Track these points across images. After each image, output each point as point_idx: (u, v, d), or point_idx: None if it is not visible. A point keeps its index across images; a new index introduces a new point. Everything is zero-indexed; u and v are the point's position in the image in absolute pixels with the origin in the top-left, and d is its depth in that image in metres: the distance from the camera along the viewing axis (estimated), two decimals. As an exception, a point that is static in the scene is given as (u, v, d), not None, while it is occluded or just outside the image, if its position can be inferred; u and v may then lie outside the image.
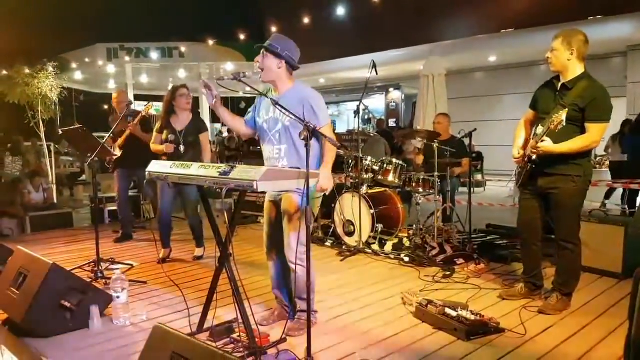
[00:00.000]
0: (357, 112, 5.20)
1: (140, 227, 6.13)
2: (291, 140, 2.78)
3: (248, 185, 2.24)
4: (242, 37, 12.63)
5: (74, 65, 12.42)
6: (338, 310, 3.29)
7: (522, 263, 3.61)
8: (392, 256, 4.62)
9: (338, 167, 5.95)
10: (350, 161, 5.37)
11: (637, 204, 6.80)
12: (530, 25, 9.17)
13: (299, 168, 2.69)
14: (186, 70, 13.18)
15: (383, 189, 5.44)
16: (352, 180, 5.42)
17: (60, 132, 4.58)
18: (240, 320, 2.57)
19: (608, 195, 7.53)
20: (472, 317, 2.86)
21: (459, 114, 10.68)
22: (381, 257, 4.67)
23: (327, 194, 2.94)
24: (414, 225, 5.11)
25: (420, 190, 4.98)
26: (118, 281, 3.08)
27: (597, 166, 7.53)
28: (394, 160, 5.24)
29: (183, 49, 12.31)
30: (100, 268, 4.01)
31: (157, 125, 4.55)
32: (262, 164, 2.76)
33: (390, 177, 5.13)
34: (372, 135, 6.37)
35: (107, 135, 4.74)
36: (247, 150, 11.00)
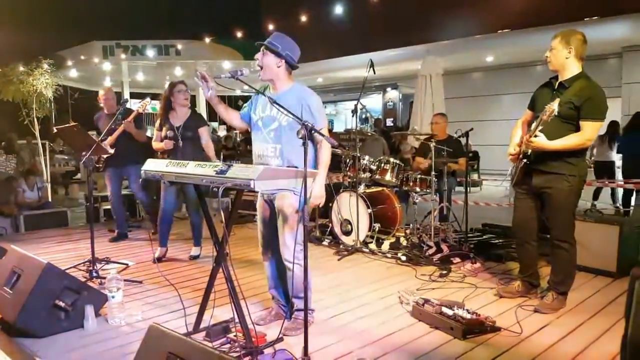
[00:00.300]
0: (354, 112, 5.20)
1: (135, 226, 6.10)
2: (287, 140, 2.77)
3: (245, 184, 2.23)
4: (239, 35, 12.58)
5: (69, 63, 12.35)
6: (335, 310, 3.29)
7: (518, 262, 3.62)
8: (389, 255, 4.63)
9: (336, 166, 5.96)
10: (347, 160, 5.37)
11: (632, 203, 6.84)
12: (527, 25, 9.18)
13: (296, 167, 2.68)
14: (183, 68, 13.12)
15: (380, 188, 5.44)
16: (349, 180, 5.42)
17: (55, 130, 4.52)
18: (237, 320, 2.56)
19: (596, 196, 7.57)
20: (468, 316, 2.87)
21: (456, 113, 10.69)
22: (378, 256, 4.68)
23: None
24: (411, 225, 5.12)
25: (417, 189, 4.99)
26: (113, 281, 3.06)
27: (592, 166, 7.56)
28: (391, 159, 5.25)
29: (179, 47, 12.25)
30: (95, 267, 3.98)
31: (157, 123, 4.53)
32: (260, 163, 2.76)
33: (388, 177, 5.13)
34: (370, 134, 6.37)
35: (102, 135, 4.68)
36: (244, 149, 10.97)
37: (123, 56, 11.99)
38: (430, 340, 2.80)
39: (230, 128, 15.94)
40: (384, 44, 10.95)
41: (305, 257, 2.43)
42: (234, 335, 2.70)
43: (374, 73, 5.02)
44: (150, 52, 12.07)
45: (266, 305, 3.31)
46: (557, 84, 3.16)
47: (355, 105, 5.19)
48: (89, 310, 2.99)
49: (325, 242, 5.21)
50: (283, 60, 2.77)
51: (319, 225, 5.57)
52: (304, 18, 11.30)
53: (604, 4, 8.40)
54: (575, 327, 2.96)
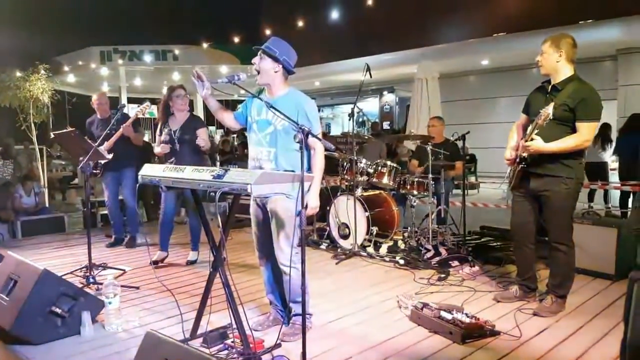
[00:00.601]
0: (351, 115, 5.20)
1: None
2: (282, 144, 2.77)
3: (242, 188, 2.22)
4: (236, 39, 12.61)
5: (66, 68, 12.35)
6: (333, 314, 3.27)
7: (515, 265, 3.62)
8: (387, 259, 4.62)
9: (333, 169, 5.96)
10: (345, 164, 5.37)
11: (629, 205, 6.86)
12: (522, 29, 9.24)
13: (293, 171, 2.68)
14: (180, 73, 13.14)
15: (378, 192, 5.44)
16: (346, 183, 5.41)
17: (52, 136, 4.50)
18: (234, 326, 2.55)
19: (591, 198, 7.58)
20: (467, 320, 2.86)
21: (452, 116, 10.71)
22: (376, 259, 4.67)
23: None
24: (409, 228, 5.11)
25: (415, 192, 4.98)
26: (110, 287, 3.04)
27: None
28: (389, 162, 5.25)
29: (177, 52, 12.27)
30: (92, 273, 3.96)
31: (158, 128, 4.54)
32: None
33: (385, 180, 5.13)
34: (368, 137, 6.37)
35: (96, 139, 4.65)
36: (242, 152, 10.97)
37: (120, 61, 12.01)
38: (429, 344, 2.79)
39: (227, 132, 15.95)
40: (380, 48, 11.00)
41: (303, 261, 2.42)
42: (232, 342, 2.68)
43: (371, 77, 5.03)
44: (148, 57, 12.09)
45: (264, 310, 3.29)
46: (550, 87, 3.17)
47: (352, 109, 5.20)
48: (86, 316, 2.97)
49: (323, 246, 5.19)
50: (280, 65, 2.77)
51: (317, 229, 5.56)
52: (301, 23, 11.34)
53: (598, 7, 8.47)
54: (575, 330, 2.95)
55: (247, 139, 3.04)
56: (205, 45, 12.76)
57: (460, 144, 4.98)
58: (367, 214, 4.89)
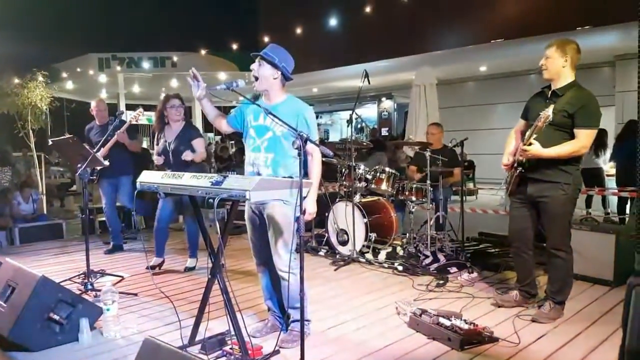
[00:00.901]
0: (350, 121, 5.22)
1: (131, 238, 6.07)
2: (280, 150, 2.78)
3: (240, 194, 2.23)
4: (234, 47, 12.66)
5: (64, 75, 12.36)
6: (332, 321, 3.27)
7: (514, 272, 3.62)
8: (385, 265, 4.61)
9: (331, 175, 5.97)
10: (343, 170, 5.37)
11: (627, 211, 6.87)
12: (520, 35, 9.30)
13: (291, 177, 2.68)
14: (178, 80, 13.17)
15: (376, 198, 5.44)
16: (345, 189, 5.42)
17: (50, 142, 4.50)
18: (233, 332, 2.54)
19: (588, 204, 7.59)
20: (466, 327, 2.85)
21: (451, 123, 10.74)
22: (375, 266, 4.66)
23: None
24: (407, 234, 5.11)
25: (413, 198, 4.99)
26: (108, 293, 3.04)
27: None
28: (387, 169, 5.26)
29: (175, 59, 12.30)
30: (90, 280, 3.95)
31: (156, 137, 4.53)
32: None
33: (383, 186, 5.14)
34: (366, 143, 6.40)
35: (95, 146, 4.66)
36: (240, 159, 10.98)
37: (119, 68, 12.03)
38: (428, 351, 2.78)
39: (223, 139, 15.98)
40: (378, 55, 11.05)
41: (301, 268, 2.42)
42: (230, 348, 2.67)
43: (369, 83, 5.05)
44: (146, 64, 12.12)
45: (262, 317, 3.29)
46: (549, 92, 3.18)
47: (351, 115, 5.21)
48: (84, 323, 2.96)
49: (322, 252, 5.19)
50: (279, 72, 2.79)
51: (315, 235, 5.56)
52: (299, 30, 11.40)
53: (595, 14, 8.52)
54: (573, 336, 2.95)
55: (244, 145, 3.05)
56: (203, 52, 12.81)
57: (458, 150, 5.00)
58: (365, 220, 4.89)
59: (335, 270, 4.60)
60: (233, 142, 14.35)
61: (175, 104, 4.39)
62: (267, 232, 2.82)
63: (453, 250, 4.87)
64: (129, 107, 13.16)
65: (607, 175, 7.54)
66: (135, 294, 3.87)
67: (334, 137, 18.46)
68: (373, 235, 4.92)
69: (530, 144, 3.01)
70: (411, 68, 10.58)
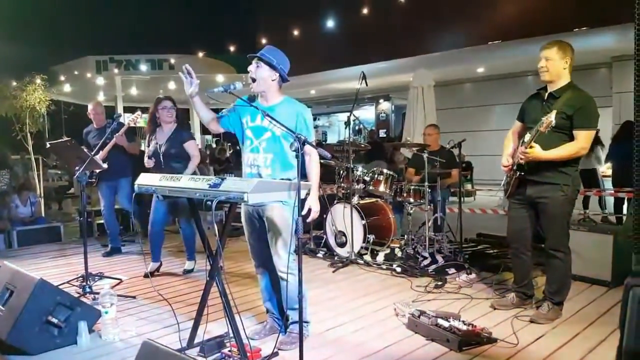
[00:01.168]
0: (347, 123, 5.22)
1: (129, 241, 6.06)
2: (279, 150, 2.78)
3: (239, 197, 2.23)
4: (232, 48, 12.68)
5: (62, 78, 12.35)
6: (330, 323, 3.27)
7: (512, 273, 3.62)
8: (384, 267, 4.62)
9: (329, 177, 5.97)
10: (341, 172, 5.38)
11: (624, 212, 6.89)
12: (517, 36, 9.31)
13: (289, 179, 2.69)
14: (176, 83, 13.16)
15: (374, 199, 5.45)
16: (343, 191, 5.42)
17: (48, 145, 4.50)
18: (231, 335, 2.54)
19: (586, 204, 7.61)
20: (465, 328, 2.86)
21: (448, 124, 10.77)
22: (373, 267, 4.67)
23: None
24: (406, 236, 5.12)
25: (411, 200, 4.99)
26: (107, 296, 3.03)
27: None
28: (385, 170, 5.26)
29: (173, 61, 12.30)
30: (88, 283, 3.95)
31: (147, 139, 4.52)
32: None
33: (381, 188, 5.14)
34: (368, 147, 6.42)
35: (93, 149, 4.65)
36: (237, 161, 10.96)
37: (116, 71, 12.02)
38: (427, 352, 2.79)
39: (220, 141, 15.96)
40: (375, 57, 11.05)
41: (300, 270, 2.42)
42: (229, 351, 2.67)
43: (366, 85, 5.06)
44: (144, 67, 12.11)
45: (261, 319, 3.29)
46: (546, 94, 3.19)
47: (349, 117, 5.22)
48: (82, 326, 2.96)
49: (320, 254, 5.19)
50: (277, 73, 2.80)
51: (314, 237, 5.56)
52: (296, 32, 11.41)
53: (592, 15, 8.54)
54: (571, 337, 2.96)
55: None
56: (201, 54, 12.81)
57: (456, 151, 5.00)
58: (363, 222, 4.89)
59: (333, 272, 4.60)
60: (230, 144, 14.34)
61: (166, 105, 4.39)
62: (266, 233, 2.82)
63: (451, 251, 4.88)
64: (127, 109, 13.15)
65: (604, 176, 7.57)
66: (134, 297, 3.87)
67: (331, 139, 18.48)
68: (371, 237, 4.93)
69: (530, 147, 3.02)
70: (409, 70, 10.60)
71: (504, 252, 4.77)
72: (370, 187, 5.19)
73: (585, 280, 3.95)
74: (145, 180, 2.69)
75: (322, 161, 3.07)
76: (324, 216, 5.25)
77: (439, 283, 4.03)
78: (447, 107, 12.93)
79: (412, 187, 5.00)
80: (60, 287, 3.34)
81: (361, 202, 5.28)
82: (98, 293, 3.54)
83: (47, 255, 5.50)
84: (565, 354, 2.74)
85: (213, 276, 2.61)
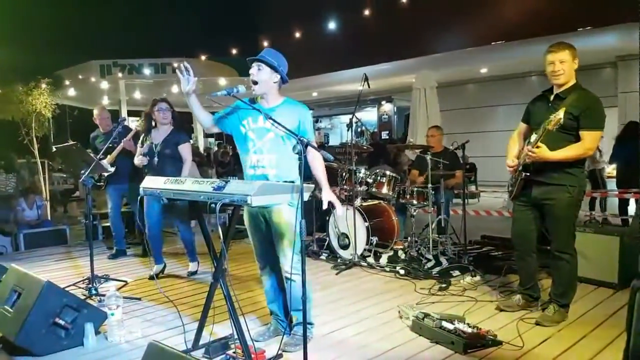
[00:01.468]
0: (350, 125, 5.23)
1: (134, 243, 6.08)
2: (283, 150, 2.79)
3: (242, 199, 2.24)
4: (234, 52, 12.70)
5: (67, 82, 12.41)
6: (334, 325, 3.27)
7: (518, 275, 3.61)
8: (387, 269, 4.61)
9: (332, 180, 5.97)
10: (344, 174, 5.38)
11: (629, 214, 6.85)
12: (520, 37, 9.28)
13: (293, 182, 2.70)
14: (179, 86, 13.20)
15: (377, 201, 5.44)
16: (346, 193, 5.43)
17: (55, 149, 4.54)
18: (236, 336, 2.55)
19: (592, 206, 7.58)
20: (469, 330, 2.85)
21: (452, 125, 10.72)
22: (376, 270, 4.66)
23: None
24: (409, 238, 5.11)
25: (415, 202, 4.99)
26: (112, 298, 3.05)
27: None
28: (388, 172, 5.26)
29: (176, 65, 12.33)
30: (94, 285, 3.97)
31: (140, 139, 4.55)
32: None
33: (384, 190, 5.14)
34: (371, 149, 6.42)
35: (99, 153, 4.68)
36: (239, 163, 10.93)
37: (120, 75, 12.08)
38: (431, 355, 2.78)
39: (222, 144, 15.98)
40: (377, 58, 11.03)
41: (303, 272, 2.43)
42: (234, 352, 2.68)
43: (369, 87, 5.07)
44: (147, 71, 12.17)
45: (265, 320, 3.29)
46: (552, 96, 3.18)
47: (351, 119, 5.22)
48: (89, 328, 2.98)
49: (323, 256, 5.19)
50: (278, 75, 2.83)
51: (317, 239, 5.56)
52: (298, 34, 11.43)
53: (596, 15, 8.50)
54: (577, 340, 2.94)
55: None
56: (203, 57, 12.86)
57: (459, 153, 5.00)
58: (366, 224, 4.89)
59: (336, 274, 4.60)
60: (232, 146, 14.36)
61: (162, 107, 4.43)
62: (271, 235, 2.84)
63: (455, 253, 4.87)
64: (131, 113, 13.21)
65: (608, 177, 7.54)
66: (139, 299, 3.89)
67: (334, 141, 18.44)
68: (374, 239, 4.92)
69: (537, 147, 3.01)
70: (411, 71, 10.59)
71: (509, 254, 4.75)
72: (373, 189, 5.19)
73: (592, 282, 3.92)
74: (151, 183, 2.71)
75: (324, 163, 3.07)
76: (327, 218, 5.25)
77: (443, 285, 4.02)
78: (451, 108, 12.88)
79: (416, 189, 5.00)
80: (67, 289, 3.36)
81: (364, 204, 5.28)
82: (104, 295, 3.55)
83: (54, 258, 5.53)
84: (571, 356, 2.73)
85: (217, 278, 2.62)
